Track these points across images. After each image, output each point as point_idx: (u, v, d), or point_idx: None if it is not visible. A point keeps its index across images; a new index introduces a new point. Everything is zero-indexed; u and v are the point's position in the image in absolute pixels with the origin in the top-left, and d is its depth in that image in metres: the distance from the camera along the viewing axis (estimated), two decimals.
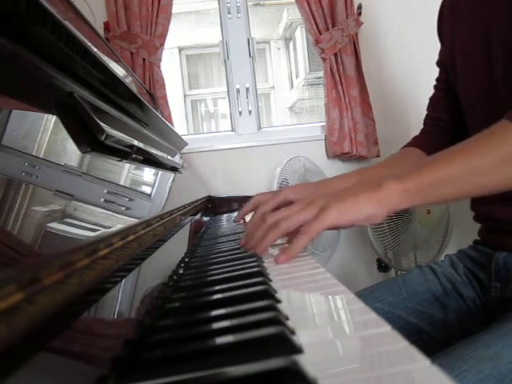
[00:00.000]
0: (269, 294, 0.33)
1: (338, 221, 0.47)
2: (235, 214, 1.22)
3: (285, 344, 0.24)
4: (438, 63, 0.83)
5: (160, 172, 0.67)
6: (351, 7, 1.70)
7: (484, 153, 0.50)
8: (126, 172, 0.50)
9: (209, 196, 1.31)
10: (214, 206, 1.33)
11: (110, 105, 0.52)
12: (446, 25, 0.78)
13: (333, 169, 1.77)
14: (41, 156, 0.31)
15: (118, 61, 0.85)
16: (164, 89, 1.64)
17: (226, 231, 0.83)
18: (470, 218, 0.77)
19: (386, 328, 0.26)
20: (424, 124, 0.86)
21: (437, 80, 0.84)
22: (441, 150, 0.81)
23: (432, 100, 0.85)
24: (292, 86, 4.58)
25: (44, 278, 0.18)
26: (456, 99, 0.76)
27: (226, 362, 0.23)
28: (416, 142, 0.83)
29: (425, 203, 0.51)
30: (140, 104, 0.66)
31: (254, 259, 0.48)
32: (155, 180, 0.64)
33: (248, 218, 0.75)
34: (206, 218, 1.13)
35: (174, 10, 1.65)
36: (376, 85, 1.79)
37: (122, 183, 0.48)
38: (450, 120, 0.80)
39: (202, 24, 3.96)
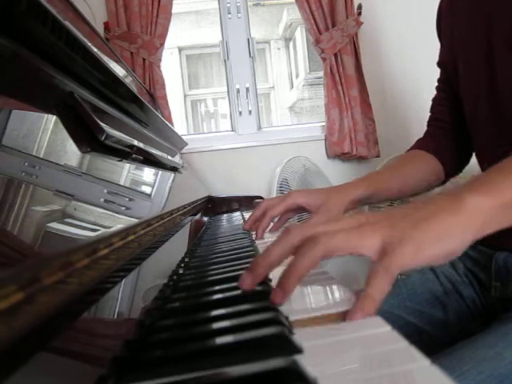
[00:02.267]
0: (269, 294, 0.33)
1: (415, 261, 0.32)
2: (235, 214, 1.22)
3: (285, 344, 0.24)
4: (439, 64, 0.83)
5: (160, 172, 0.67)
6: (351, 7, 1.70)
7: None
8: (126, 172, 0.50)
9: (209, 196, 1.31)
10: (214, 205, 1.33)
11: (110, 105, 0.52)
12: (444, 25, 0.78)
13: (333, 169, 1.78)
14: (41, 156, 0.31)
15: (118, 61, 0.85)
16: (164, 89, 1.64)
17: (225, 231, 0.83)
18: None
19: (386, 328, 0.26)
20: (428, 126, 0.86)
21: (438, 81, 0.84)
22: (447, 152, 0.82)
23: (434, 101, 0.85)
24: (292, 86, 4.58)
25: (44, 278, 0.18)
26: (459, 99, 0.76)
27: (226, 362, 0.22)
28: (421, 145, 0.82)
29: None
30: (140, 104, 0.66)
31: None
32: (155, 180, 0.64)
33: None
34: (205, 218, 1.13)
35: (174, 9, 1.65)
36: (376, 85, 1.78)
37: (122, 183, 0.48)
38: (454, 120, 0.80)
39: (202, 24, 3.96)
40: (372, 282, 0.31)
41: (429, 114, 0.86)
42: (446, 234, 0.33)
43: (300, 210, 0.69)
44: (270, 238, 0.69)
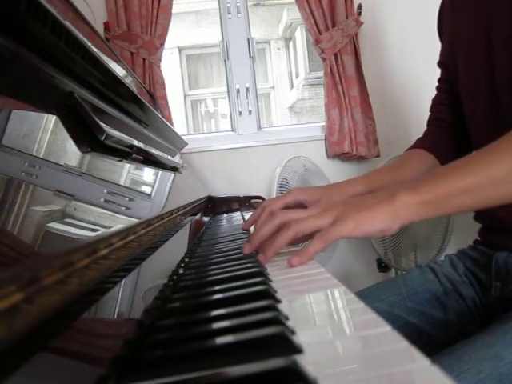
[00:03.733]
0: (269, 294, 0.33)
1: (353, 233, 0.46)
2: (235, 214, 1.22)
3: (285, 344, 0.24)
4: (439, 63, 0.83)
5: (160, 172, 0.67)
6: (351, 7, 1.70)
7: (500, 162, 0.47)
8: (126, 172, 0.50)
9: (209, 196, 1.31)
10: (214, 205, 1.33)
11: (110, 105, 0.52)
12: (446, 25, 0.78)
13: (333, 169, 1.78)
14: (41, 156, 0.31)
15: (118, 61, 0.85)
16: (164, 89, 1.64)
17: (225, 231, 0.83)
18: (470, 217, 0.77)
19: (386, 328, 0.26)
20: (427, 125, 0.86)
21: (438, 81, 0.84)
22: (446, 151, 0.82)
23: (435, 101, 0.85)
24: (292, 86, 4.58)
25: (44, 278, 0.18)
26: (459, 99, 0.76)
27: (226, 362, 0.23)
28: (421, 144, 0.82)
29: (439, 215, 0.49)
30: (140, 104, 0.66)
31: (254, 259, 0.48)
32: (155, 180, 0.64)
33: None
34: (205, 218, 1.13)
35: (174, 9, 1.65)
36: (376, 85, 1.78)
37: (122, 183, 0.48)
38: (454, 120, 0.80)
39: (202, 24, 3.96)
40: (312, 241, 0.46)
41: (429, 113, 0.86)
42: (379, 217, 0.47)
43: (299, 206, 0.69)
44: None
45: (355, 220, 0.46)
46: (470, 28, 0.68)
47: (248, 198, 1.35)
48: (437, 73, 0.84)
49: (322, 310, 0.32)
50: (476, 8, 0.67)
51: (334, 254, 1.70)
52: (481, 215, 0.75)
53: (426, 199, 0.47)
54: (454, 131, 0.80)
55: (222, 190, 1.67)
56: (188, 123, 4.32)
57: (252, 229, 0.71)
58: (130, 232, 0.34)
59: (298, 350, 0.23)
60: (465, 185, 0.47)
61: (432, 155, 0.79)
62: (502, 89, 0.63)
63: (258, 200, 1.34)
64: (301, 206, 0.69)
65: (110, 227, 0.35)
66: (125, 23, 1.59)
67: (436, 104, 0.84)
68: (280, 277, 0.42)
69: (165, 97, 1.64)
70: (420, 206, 0.47)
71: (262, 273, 0.41)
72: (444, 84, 0.82)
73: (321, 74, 1.77)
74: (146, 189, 0.59)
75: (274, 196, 1.56)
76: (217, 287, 0.38)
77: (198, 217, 0.94)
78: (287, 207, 0.69)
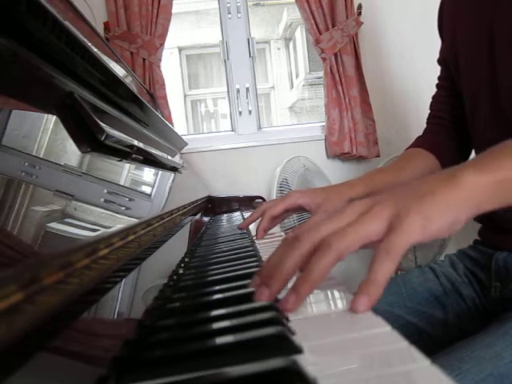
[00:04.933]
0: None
1: (422, 235, 0.31)
2: (235, 214, 1.22)
3: (285, 344, 0.24)
4: (439, 61, 0.83)
5: (160, 172, 0.67)
6: (351, 7, 1.70)
7: None
8: (126, 172, 0.50)
9: (209, 196, 1.31)
10: (214, 206, 1.33)
11: (110, 105, 0.52)
12: (446, 21, 0.78)
13: (333, 169, 1.78)
14: (41, 156, 0.31)
15: (118, 61, 0.85)
16: (164, 89, 1.64)
17: (225, 231, 0.83)
18: None
19: (386, 328, 0.26)
20: (427, 123, 0.85)
21: (439, 78, 0.84)
22: (446, 150, 0.81)
23: (434, 99, 0.84)
24: (292, 86, 4.58)
25: (44, 278, 0.18)
26: (459, 97, 0.75)
27: (226, 362, 0.23)
28: (420, 143, 0.82)
29: None
30: (140, 104, 0.66)
31: (254, 259, 0.48)
32: (155, 180, 0.64)
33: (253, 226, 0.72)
34: (205, 218, 1.13)
35: (174, 9, 1.65)
36: (376, 85, 1.78)
37: (122, 183, 0.48)
38: (454, 118, 0.80)
39: (202, 24, 3.96)
40: (374, 265, 0.30)
41: (428, 111, 0.86)
42: (450, 205, 0.33)
43: (300, 209, 0.69)
44: (270, 238, 0.69)
45: (421, 215, 0.31)
46: (471, 25, 0.68)
47: (248, 198, 1.35)
48: (437, 72, 0.84)
49: (322, 310, 0.32)
50: (478, 5, 0.66)
51: None
52: (481, 215, 0.74)
53: (503, 177, 0.35)
54: (454, 130, 0.80)
55: (222, 189, 1.67)
56: (188, 123, 4.32)
57: (254, 233, 0.71)
58: (130, 232, 0.34)
59: (297, 350, 0.23)
60: None
61: (432, 154, 0.79)
62: (503, 87, 0.63)
63: (259, 200, 1.34)
64: (301, 209, 0.69)
65: (109, 227, 0.35)
66: (125, 23, 1.59)
67: (436, 102, 0.84)
68: None
69: (165, 97, 1.64)
70: (495, 187, 0.35)
71: None
72: (444, 81, 0.81)
73: (321, 74, 1.77)
74: (146, 189, 0.59)
75: (274, 196, 1.57)
76: (217, 287, 0.38)
77: (198, 217, 0.94)
78: (288, 211, 0.69)
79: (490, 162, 0.37)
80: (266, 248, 0.60)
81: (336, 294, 0.36)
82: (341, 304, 0.33)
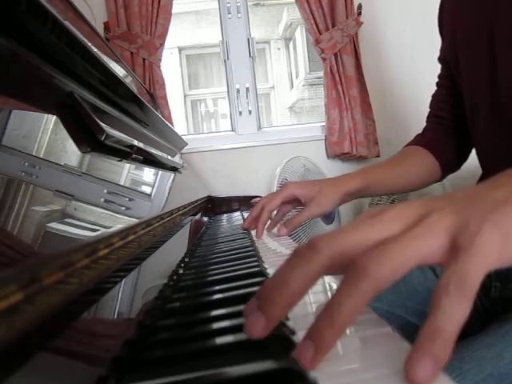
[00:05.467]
0: None
1: (503, 257, 0.22)
2: (235, 214, 1.22)
3: (285, 344, 0.24)
4: (440, 59, 0.83)
5: (160, 172, 0.67)
6: (351, 7, 1.70)
7: None
8: (126, 172, 0.50)
9: (209, 196, 1.31)
10: (214, 206, 1.33)
11: (110, 105, 0.52)
12: (447, 20, 0.78)
13: (333, 169, 1.77)
14: (41, 156, 0.31)
15: (118, 61, 0.85)
16: (164, 89, 1.64)
17: (225, 231, 0.83)
18: None
19: (386, 328, 0.26)
20: (427, 122, 0.85)
21: (439, 77, 0.83)
22: (446, 148, 0.81)
23: (434, 97, 0.84)
24: (292, 86, 4.58)
25: (44, 278, 0.18)
26: (459, 96, 0.75)
27: (226, 362, 0.22)
28: (418, 141, 0.82)
29: None
30: (140, 104, 0.66)
31: (254, 259, 0.48)
32: (155, 180, 0.64)
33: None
34: (205, 218, 1.13)
35: (174, 9, 1.65)
36: (376, 85, 1.79)
37: (122, 183, 0.48)
38: (454, 117, 0.80)
39: (202, 24, 3.97)
40: (442, 305, 0.20)
41: (428, 110, 0.86)
42: None
43: (297, 202, 0.69)
44: (270, 238, 0.69)
45: (499, 228, 0.22)
46: (472, 24, 0.68)
47: (248, 198, 1.35)
48: (437, 72, 0.84)
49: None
50: (477, 4, 0.66)
51: None
52: None
53: None
54: (454, 128, 0.80)
55: (222, 189, 1.67)
56: (188, 123, 4.32)
57: (254, 232, 0.71)
58: (130, 232, 0.34)
59: None
60: None
61: (430, 153, 0.79)
62: (503, 87, 0.63)
63: (256, 199, 1.34)
64: (298, 200, 0.69)
65: (110, 227, 0.35)
66: (125, 23, 1.59)
67: (436, 101, 0.84)
68: None
69: (165, 97, 1.64)
70: None
71: (262, 273, 0.41)
72: (444, 80, 0.81)
73: (321, 73, 1.77)
74: (146, 189, 0.59)
75: None
76: (217, 287, 0.38)
77: (198, 217, 0.94)
78: (285, 203, 0.69)
79: None
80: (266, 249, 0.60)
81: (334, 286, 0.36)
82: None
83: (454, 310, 0.20)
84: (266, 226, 0.71)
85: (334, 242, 0.23)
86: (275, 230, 0.72)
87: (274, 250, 0.58)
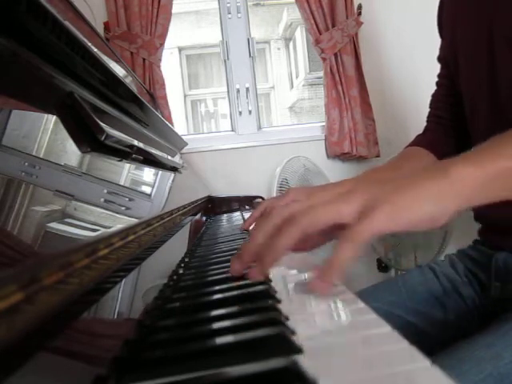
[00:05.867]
0: (269, 294, 0.33)
1: (391, 224, 0.31)
2: (235, 214, 1.22)
3: (285, 344, 0.24)
4: (439, 58, 0.82)
5: (160, 172, 0.67)
6: (351, 7, 1.70)
7: None
8: (126, 172, 0.50)
9: (209, 196, 1.31)
10: (214, 206, 1.33)
11: (110, 105, 0.52)
12: (446, 20, 0.78)
13: (333, 169, 1.77)
14: (41, 156, 0.31)
15: (118, 61, 0.85)
16: (164, 89, 1.64)
17: (225, 231, 0.83)
18: (470, 218, 0.77)
19: (386, 328, 0.26)
20: (427, 122, 0.85)
21: (438, 76, 0.83)
22: (446, 148, 0.81)
23: (434, 97, 0.84)
24: (292, 86, 4.58)
25: (44, 278, 0.18)
26: (458, 96, 0.75)
27: (226, 362, 0.22)
28: (420, 141, 0.82)
29: (509, 196, 0.36)
30: (140, 104, 0.66)
31: None
32: (155, 180, 0.64)
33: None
34: (205, 218, 1.13)
35: (174, 9, 1.65)
36: (376, 85, 1.78)
37: (122, 183, 0.48)
38: (454, 117, 0.80)
39: (202, 24, 3.97)
40: (337, 247, 0.31)
41: (428, 110, 0.86)
42: (425, 197, 0.32)
43: None
44: None
45: (392, 204, 0.31)
46: (471, 24, 0.68)
47: (248, 198, 1.35)
48: (436, 72, 0.84)
49: (322, 310, 0.32)
50: (477, 4, 0.66)
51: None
52: (481, 215, 0.75)
53: (493, 172, 0.34)
54: (454, 128, 0.80)
55: (222, 189, 1.67)
56: (188, 123, 4.32)
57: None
58: (130, 232, 0.34)
59: (297, 350, 0.23)
60: None
61: (431, 153, 0.79)
62: (503, 87, 0.63)
63: (259, 200, 1.34)
64: None
65: (110, 227, 0.35)
66: (125, 23, 1.59)
67: (435, 100, 0.84)
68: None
69: (165, 97, 1.64)
70: (486, 182, 0.34)
71: None
72: (444, 79, 0.81)
73: (321, 74, 1.77)
74: (146, 189, 0.59)
75: (274, 196, 1.56)
76: (217, 287, 0.38)
77: (197, 217, 0.94)
78: None
79: (482, 155, 0.36)
80: None
81: (336, 294, 0.36)
82: (340, 304, 0.33)
83: (342, 253, 0.31)
84: None
85: (285, 209, 0.35)
86: None
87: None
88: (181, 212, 0.64)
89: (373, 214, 0.31)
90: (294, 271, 0.43)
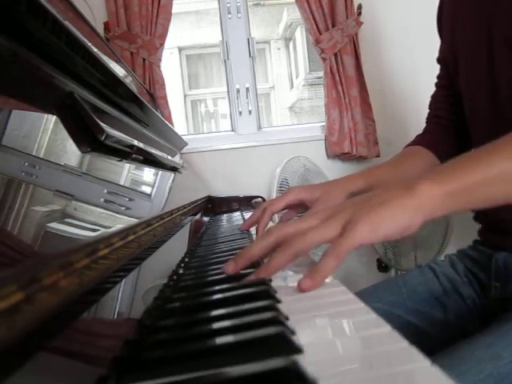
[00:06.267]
0: (269, 294, 0.33)
1: (369, 238, 0.38)
2: (235, 214, 1.22)
3: (285, 344, 0.24)
4: (439, 60, 0.83)
5: (160, 172, 0.67)
6: (351, 7, 1.70)
7: None
8: (126, 172, 0.50)
9: (209, 196, 1.31)
10: (214, 206, 1.33)
11: (110, 105, 0.52)
12: (446, 21, 0.78)
13: (333, 169, 1.77)
14: (41, 156, 0.31)
15: (118, 61, 0.85)
16: (164, 89, 1.64)
17: (225, 231, 0.83)
18: (469, 218, 0.77)
19: (386, 328, 0.26)
20: (427, 122, 0.85)
21: (438, 77, 0.83)
22: (446, 148, 0.81)
23: (434, 98, 0.84)
24: (292, 86, 4.59)
25: (44, 278, 0.18)
26: (458, 96, 0.76)
27: (226, 362, 0.22)
28: (420, 141, 0.82)
29: (466, 208, 0.43)
30: (140, 104, 0.66)
31: None
32: (155, 180, 0.64)
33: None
34: (205, 218, 1.13)
35: (174, 9, 1.65)
36: (376, 85, 1.78)
37: (122, 183, 0.48)
38: (453, 118, 0.80)
39: (202, 24, 3.97)
40: (322, 259, 0.37)
41: (428, 111, 0.86)
42: (398, 213, 0.39)
43: (301, 207, 0.69)
44: None
45: (370, 221, 0.38)
46: (471, 25, 0.68)
47: (248, 198, 1.35)
48: (436, 72, 0.84)
49: (322, 310, 0.32)
50: (477, 4, 0.66)
51: None
52: (481, 215, 0.75)
53: (452, 189, 0.40)
54: (454, 129, 0.80)
55: (221, 189, 1.67)
56: (188, 123, 4.32)
57: (254, 232, 0.71)
58: (130, 232, 0.34)
59: (298, 349, 0.23)
60: (498, 170, 0.41)
61: (431, 153, 0.79)
62: (503, 87, 0.63)
63: (258, 200, 1.34)
64: (302, 204, 0.69)
65: (110, 227, 0.35)
66: (125, 23, 1.59)
67: (435, 101, 0.84)
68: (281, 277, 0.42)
69: (165, 97, 1.64)
70: (446, 197, 0.40)
71: None
72: (443, 80, 0.81)
73: (321, 74, 1.77)
74: (146, 189, 0.59)
75: (274, 196, 1.57)
76: (217, 287, 0.38)
77: (198, 217, 0.94)
78: (288, 207, 0.69)
79: (446, 174, 0.42)
80: None
81: (336, 293, 0.36)
82: (340, 304, 0.33)
83: (328, 262, 0.37)
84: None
85: (280, 229, 0.42)
86: None
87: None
88: (181, 212, 0.64)
89: (355, 228, 0.37)
90: (293, 271, 0.43)
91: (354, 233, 0.37)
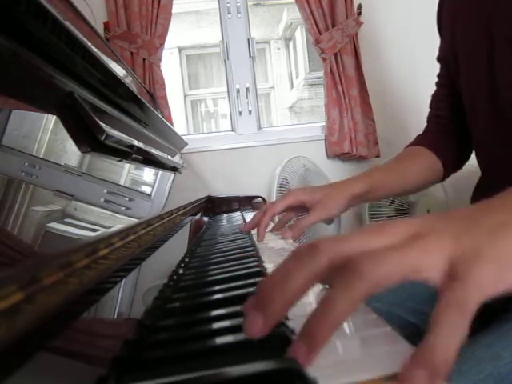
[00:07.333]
0: None
1: (499, 285, 0.22)
2: (235, 214, 1.22)
3: (285, 344, 0.24)
4: (439, 58, 0.83)
5: (160, 172, 0.67)
6: (351, 7, 1.70)
7: None
8: (126, 172, 0.50)
9: (209, 196, 1.31)
10: (214, 205, 1.33)
11: (110, 105, 0.52)
12: (446, 20, 0.77)
13: (333, 169, 1.77)
14: (41, 156, 0.31)
15: (118, 61, 0.85)
16: (164, 89, 1.64)
17: (225, 231, 0.83)
18: None
19: (386, 328, 0.26)
20: (427, 122, 0.85)
21: (438, 76, 0.83)
22: (446, 148, 0.81)
23: (434, 97, 0.84)
24: (292, 86, 4.58)
25: (44, 278, 0.18)
26: (458, 95, 0.75)
27: (226, 362, 0.22)
28: (421, 141, 0.82)
29: None
30: (140, 104, 0.66)
31: (253, 259, 0.48)
32: (155, 180, 0.64)
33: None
34: (205, 218, 1.13)
35: (174, 9, 1.65)
36: (376, 85, 1.79)
37: (122, 183, 0.48)
38: (454, 117, 0.80)
39: (202, 24, 3.97)
40: (441, 326, 0.21)
41: (428, 110, 0.86)
42: None
43: (301, 208, 0.69)
44: (271, 240, 0.69)
45: (497, 260, 0.22)
46: (471, 24, 0.68)
47: (248, 198, 1.35)
48: (437, 72, 0.84)
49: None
50: (477, 3, 0.66)
51: None
52: None
53: None
54: (454, 128, 0.80)
55: (221, 189, 1.67)
56: (188, 123, 4.32)
57: (254, 232, 0.71)
58: (130, 232, 0.34)
59: None
60: None
61: (432, 153, 0.79)
62: (503, 86, 0.63)
63: (258, 200, 1.34)
64: (302, 206, 0.69)
65: (110, 227, 0.35)
66: (125, 23, 1.59)
67: (435, 100, 0.84)
68: None
69: (165, 97, 1.64)
70: None
71: (261, 273, 0.41)
72: (444, 80, 0.81)
73: (321, 74, 1.77)
74: (146, 189, 0.59)
75: (274, 196, 1.57)
76: (217, 287, 0.38)
77: (198, 217, 0.94)
78: (289, 209, 0.69)
79: None
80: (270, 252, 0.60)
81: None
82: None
83: (454, 329, 0.21)
84: (268, 230, 0.70)
85: (335, 245, 0.23)
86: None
87: (272, 247, 0.58)
88: (181, 212, 0.64)
89: (476, 271, 0.22)
90: None
91: (478, 279, 0.22)
